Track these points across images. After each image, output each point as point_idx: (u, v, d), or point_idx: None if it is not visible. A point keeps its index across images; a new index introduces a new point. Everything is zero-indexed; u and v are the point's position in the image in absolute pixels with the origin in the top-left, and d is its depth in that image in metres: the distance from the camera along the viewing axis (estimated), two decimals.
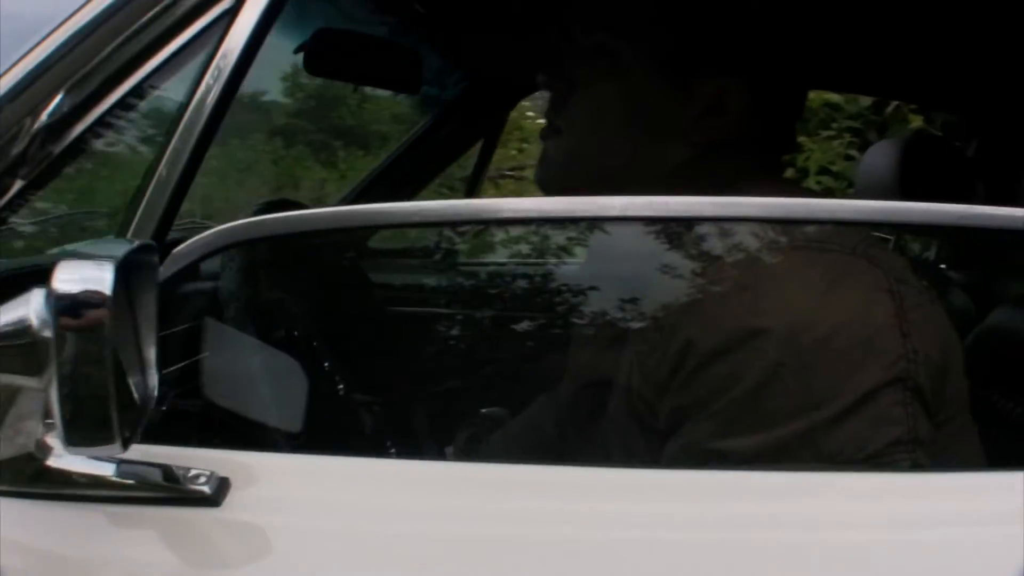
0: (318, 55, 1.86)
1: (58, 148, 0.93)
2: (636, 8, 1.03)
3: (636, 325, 1.03)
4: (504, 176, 7.84)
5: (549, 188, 1.11)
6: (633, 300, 1.03)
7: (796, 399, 0.86)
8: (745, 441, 0.86)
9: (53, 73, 0.92)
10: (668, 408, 0.93)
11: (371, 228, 0.90)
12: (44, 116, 0.92)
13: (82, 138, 0.95)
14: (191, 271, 0.90)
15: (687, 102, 1.02)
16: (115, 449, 0.70)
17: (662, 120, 1.03)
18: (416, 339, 1.47)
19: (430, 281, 2.17)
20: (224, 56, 0.91)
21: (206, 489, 0.79)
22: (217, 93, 0.91)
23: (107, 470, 0.81)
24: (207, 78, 0.90)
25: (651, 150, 1.04)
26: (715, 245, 0.93)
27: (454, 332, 1.56)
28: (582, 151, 1.06)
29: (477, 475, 0.87)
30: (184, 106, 0.90)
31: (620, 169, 1.04)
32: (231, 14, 0.91)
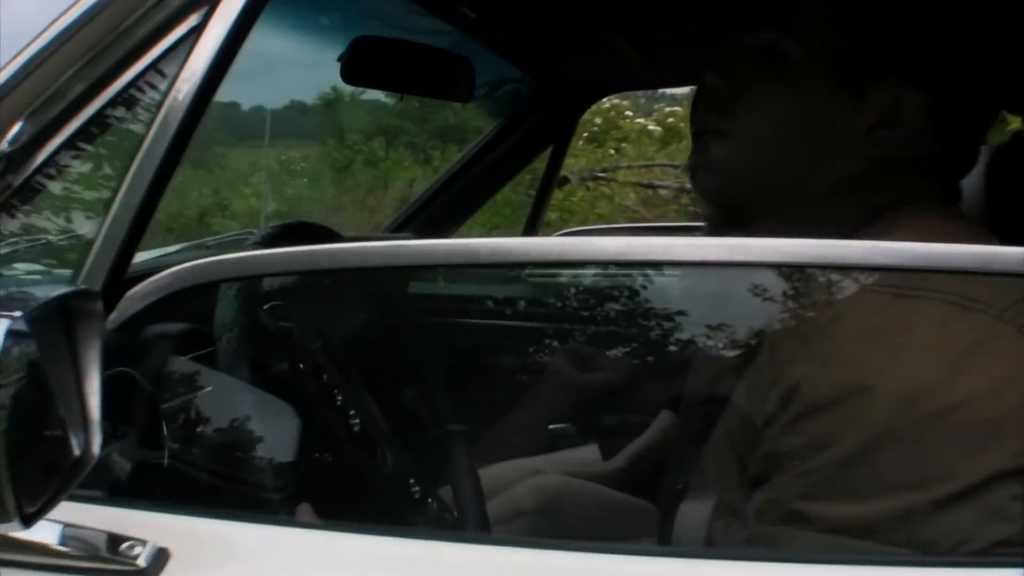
0: (356, 64, 1.78)
1: (18, 178, 0.87)
2: (808, 6, 0.97)
3: (751, 357, 0.94)
4: (596, 178, 7.75)
5: (712, 194, 1.06)
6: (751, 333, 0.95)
7: (899, 473, 0.77)
8: (834, 509, 0.78)
9: (12, 100, 0.86)
10: (762, 454, 0.85)
11: (344, 271, 0.80)
12: (4, 144, 0.86)
13: (45, 165, 0.88)
14: (158, 313, 0.82)
15: (859, 110, 0.95)
16: (13, 527, 0.62)
17: (832, 129, 0.96)
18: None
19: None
20: (186, 80, 0.83)
21: (140, 563, 0.72)
22: (179, 119, 0.83)
23: (31, 533, 0.73)
24: (167, 104, 0.83)
25: (819, 161, 0.97)
26: (846, 285, 0.83)
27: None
28: (750, 157, 1.00)
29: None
30: (143, 135, 0.83)
31: (786, 179, 0.99)
32: (195, 33, 0.83)
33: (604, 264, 0.82)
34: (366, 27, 1.91)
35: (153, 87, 0.85)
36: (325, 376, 1.25)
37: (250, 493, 0.86)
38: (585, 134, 9.71)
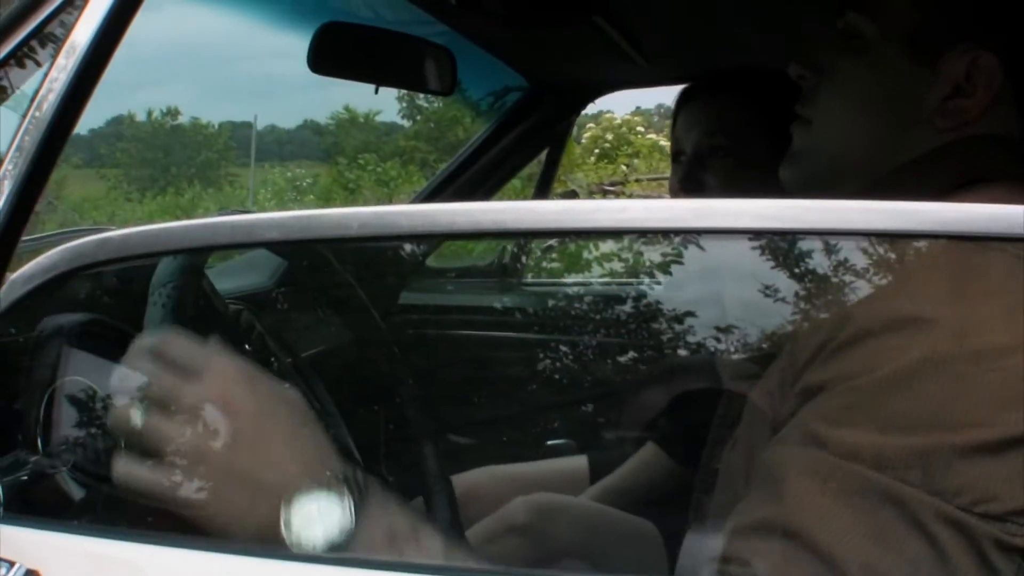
0: (325, 52, 1.67)
1: None
2: None
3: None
4: (604, 190, 7.64)
5: (795, 184, 1.05)
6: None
7: (929, 408, 0.71)
8: (852, 435, 0.72)
9: None
10: (795, 392, 0.80)
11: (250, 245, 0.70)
12: None
13: None
14: (45, 298, 0.72)
15: (934, 81, 0.93)
16: None
17: (910, 103, 0.95)
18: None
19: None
20: (68, 53, 0.72)
21: None
22: (59, 97, 0.73)
23: None
24: (47, 81, 0.72)
25: (899, 137, 0.96)
26: None
27: None
28: (828, 141, 1.01)
29: None
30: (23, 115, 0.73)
31: (868, 160, 0.98)
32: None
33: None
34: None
35: (35, 57, 0.75)
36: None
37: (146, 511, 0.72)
38: (597, 150, 9.63)
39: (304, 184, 8.96)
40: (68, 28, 0.74)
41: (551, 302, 2.80)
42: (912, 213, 0.58)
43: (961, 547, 0.67)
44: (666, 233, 0.65)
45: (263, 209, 8.18)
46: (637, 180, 7.92)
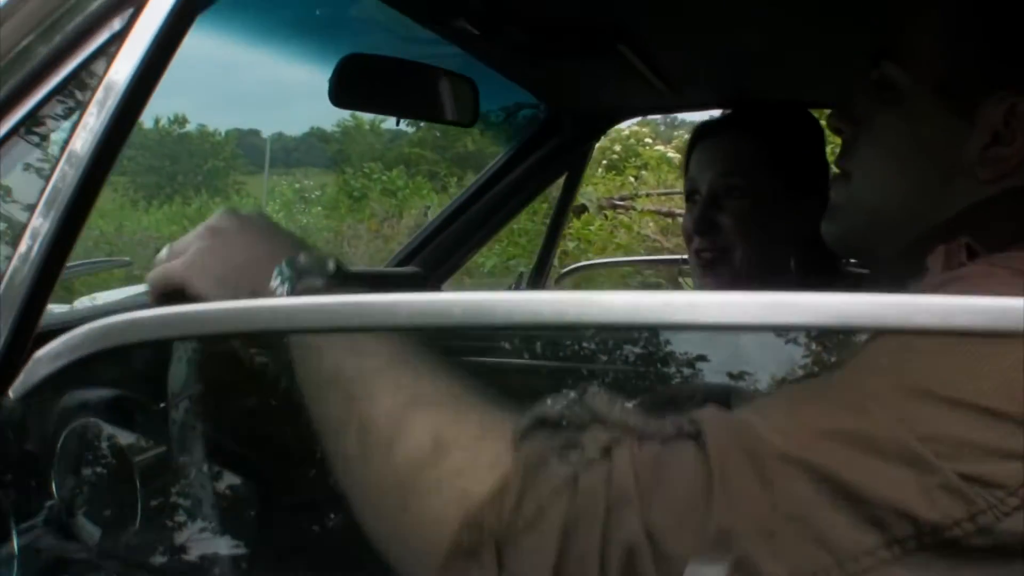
0: (346, 86, 1.63)
1: None
2: (912, 26, 0.96)
3: None
4: (615, 206, 7.60)
5: (836, 240, 1.04)
6: None
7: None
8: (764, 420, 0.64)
9: None
10: None
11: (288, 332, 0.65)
12: None
13: None
14: (71, 378, 0.68)
15: (972, 131, 0.90)
16: None
17: (949, 154, 0.91)
18: None
19: None
20: (104, 96, 0.69)
21: None
22: (97, 140, 0.69)
23: None
24: (83, 123, 0.68)
25: (939, 191, 0.93)
26: None
27: None
28: (867, 194, 0.99)
29: None
30: (54, 161, 0.69)
31: (908, 214, 0.95)
32: (117, 41, 0.69)
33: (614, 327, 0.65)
34: (368, 46, 1.78)
35: (67, 104, 0.70)
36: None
37: None
38: (604, 161, 9.60)
39: (312, 196, 8.90)
40: (99, 75, 0.70)
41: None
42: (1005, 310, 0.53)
43: None
44: (741, 330, 0.59)
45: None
46: (647, 195, 7.87)
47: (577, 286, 6.22)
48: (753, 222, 1.58)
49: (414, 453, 0.68)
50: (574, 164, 2.68)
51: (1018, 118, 0.87)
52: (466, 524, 0.63)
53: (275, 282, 0.81)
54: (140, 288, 1.68)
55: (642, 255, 7.30)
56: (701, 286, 1.62)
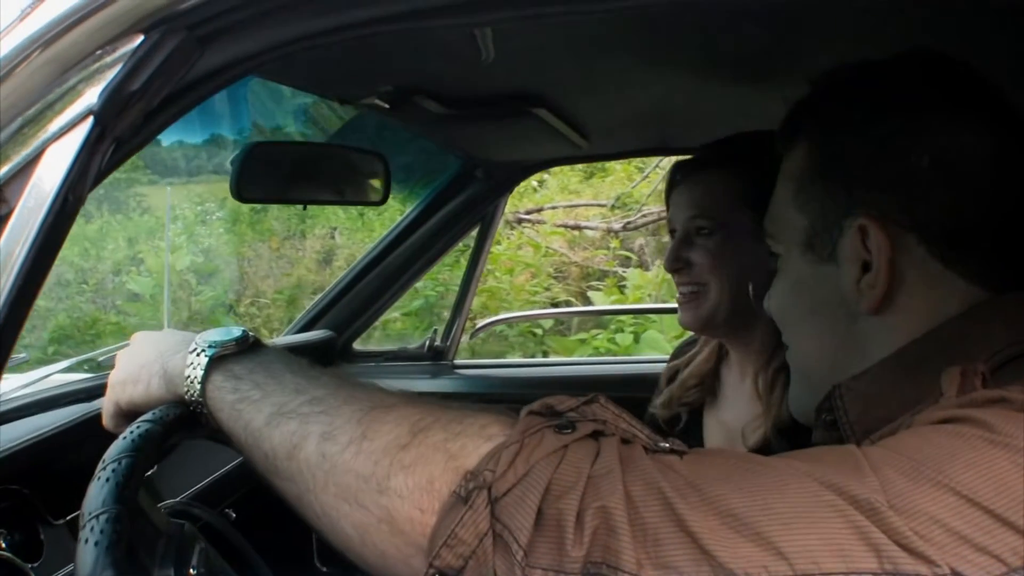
0: (251, 177, 1.50)
1: None
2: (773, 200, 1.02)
3: None
4: (520, 220, 7.52)
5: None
6: None
7: None
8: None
9: None
10: None
11: None
12: None
13: None
14: None
15: (838, 271, 0.92)
16: None
17: (836, 301, 0.93)
18: None
19: None
20: None
21: None
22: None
23: None
24: None
25: (848, 335, 0.94)
26: None
27: None
28: (795, 354, 1.04)
29: None
30: None
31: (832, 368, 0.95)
32: None
33: None
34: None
35: None
36: None
37: None
38: None
39: (215, 216, 8.62)
40: None
41: (483, 385, 2.69)
42: None
43: None
44: None
45: (176, 244, 7.86)
46: (554, 208, 7.80)
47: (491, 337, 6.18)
48: (723, 257, 1.60)
49: (391, 440, 0.72)
50: (487, 216, 2.60)
51: (871, 239, 0.87)
52: (466, 477, 0.68)
53: (193, 355, 0.90)
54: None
55: (550, 272, 7.27)
56: (682, 320, 1.66)
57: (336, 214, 8.36)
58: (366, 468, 0.72)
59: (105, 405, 1.03)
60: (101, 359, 1.82)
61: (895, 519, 0.61)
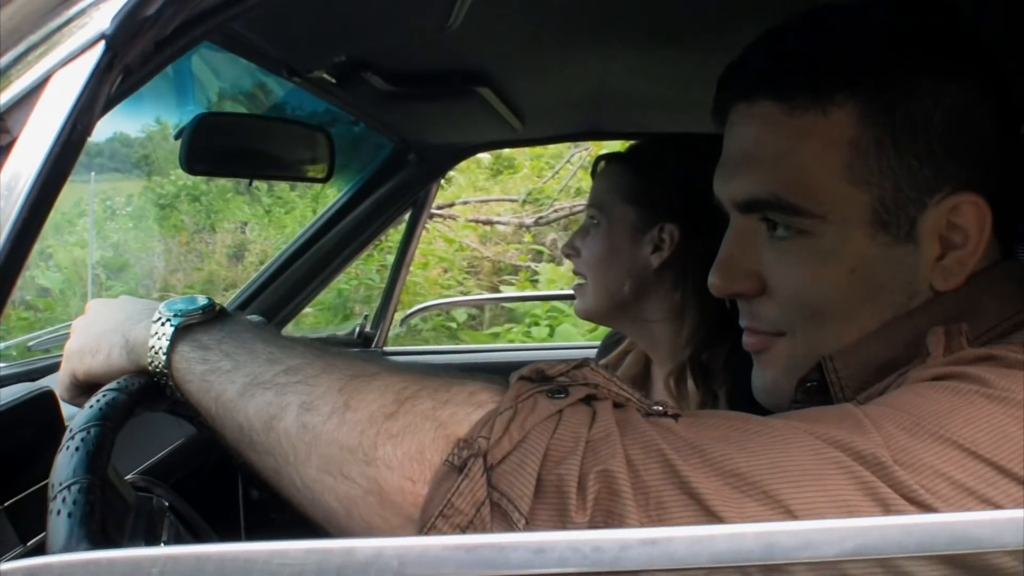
0: (200, 149, 1.46)
1: None
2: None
3: None
4: (432, 216, 7.48)
5: None
6: None
7: None
8: None
9: None
10: None
11: None
12: None
13: None
14: None
15: (917, 251, 0.86)
16: None
17: (899, 281, 0.87)
18: None
19: None
20: None
21: None
22: None
23: None
24: None
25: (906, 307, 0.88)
26: None
27: None
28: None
29: None
30: None
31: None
32: None
33: None
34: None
35: None
36: None
37: None
38: None
39: (124, 211, 8.40)
40: None
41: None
42: None
43: None
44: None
45: (85, 240, 7.63)
46: (465, 203, 7.79)
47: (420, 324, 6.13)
48: (602, 252, 1.60)
49: (376, 409, 0.70)
50: (418, 202, 2.57)
51: (962, 215, 0.83)
52: (459, 445, 0.66)
53: (157, 324, 0.86)
54: None
55: (463, 267, 7.27)
56: (575, 308, 1.67)
57: (242, 209, 8.22)
58: (351, 439, 0.69)
59: (61, 377, 0.98)
60: (31, 344, 1.75)
61: (901, 473, 0.61)
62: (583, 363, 0.74)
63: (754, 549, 0.48)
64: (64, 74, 0.56)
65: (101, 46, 0.56)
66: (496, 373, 0.75)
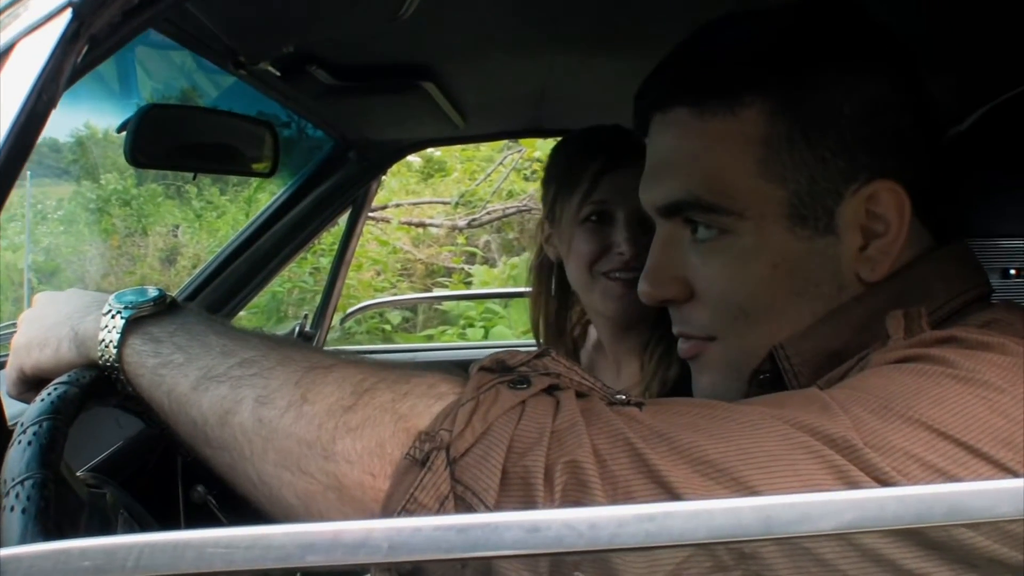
0: (145, 141, 1.42)
1: None
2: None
3: None
4: (368, 217, 7.45)
5: None
6: None
7: None
8: None
9: None
10: None
11: None
12: None
13: None
14: None
15: (839, 241, 0.88)
16: None
17: (822, 273, 0.89)
18: None
19: None
20: None
21: None
22: None
23: None
24: None
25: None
26: None
27: None
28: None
29: None
30: None
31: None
32: None
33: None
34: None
35: None
36: None
37: None
38: None
39: (55, 215, 8.21)
40: None
41: None
42: None
43: None
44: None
45: (16, 243, 7.44)
46: (398, 205, 7.76)
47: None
48: (541, 241, 1.66)
49: (334, 402, 0.68)
50: (357, 201, 2.55)
51: (880, 203, 0.84)
52: (420, 438, 0.64)
53: (107, 316, 0.84)
54: None
55: (396, 269, 7.24)
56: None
57: (172, 213, 8.09)
58: (309, 433, 0.68)
59: (7, 372, 0.95)
60: None
61: (872, 456, 0.61)
62: (544, 352, 0.73)
63: (752, 523, 0.48)
64: (30, 41, 0.54)
65: (68, 14, 0.54)
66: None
